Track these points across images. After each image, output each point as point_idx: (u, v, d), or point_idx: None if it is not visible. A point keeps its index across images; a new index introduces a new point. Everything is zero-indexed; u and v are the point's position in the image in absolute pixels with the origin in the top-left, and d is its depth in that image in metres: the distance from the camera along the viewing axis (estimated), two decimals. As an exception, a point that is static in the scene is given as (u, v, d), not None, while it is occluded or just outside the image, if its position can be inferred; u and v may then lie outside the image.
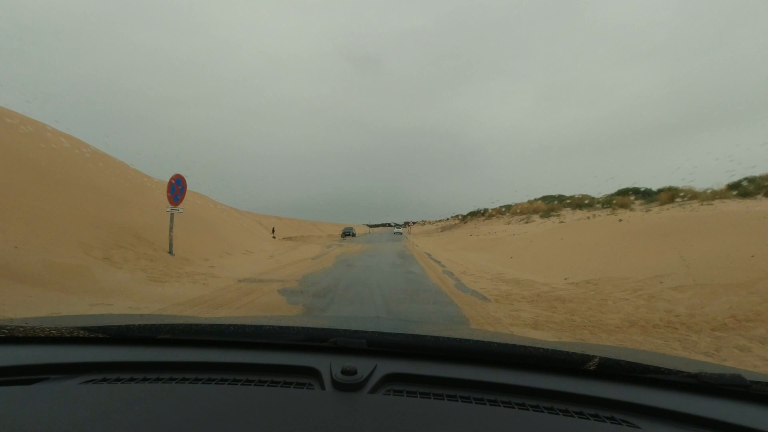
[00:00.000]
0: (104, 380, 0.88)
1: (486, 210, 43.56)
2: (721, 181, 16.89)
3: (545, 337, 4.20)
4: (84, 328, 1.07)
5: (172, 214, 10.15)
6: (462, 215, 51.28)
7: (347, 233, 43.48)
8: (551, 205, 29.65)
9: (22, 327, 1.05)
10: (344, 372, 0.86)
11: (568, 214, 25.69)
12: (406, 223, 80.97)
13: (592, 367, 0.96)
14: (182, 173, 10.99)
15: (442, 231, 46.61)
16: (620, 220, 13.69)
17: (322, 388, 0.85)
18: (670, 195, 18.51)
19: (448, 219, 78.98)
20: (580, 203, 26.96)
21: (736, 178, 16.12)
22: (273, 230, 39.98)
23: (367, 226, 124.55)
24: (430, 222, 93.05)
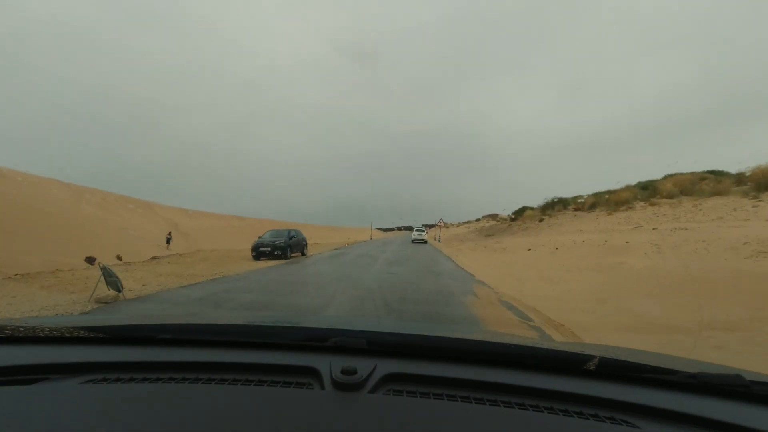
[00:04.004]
0: (104, 380, 0.89)
1: (565, 200, 24.19)
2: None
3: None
4: (84, 328, 1.10)
5: None
6: (513, 214, 31.86)
7: (266, 248, 14.51)
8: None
9: (22, 327, 1.08)
10: (344, 372, 0.86)
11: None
12: (426, 227, 54.96)
13: (592, 367, 0.96)
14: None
15: (487, 237, 29.00)
16: None
17: (322, 387, 0.85)
18: None
19: (478, 220, 68.66)
20: None
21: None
22: (169, 236, 26.54)
23: (380, 230, 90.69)
24: (454, 225, 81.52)
